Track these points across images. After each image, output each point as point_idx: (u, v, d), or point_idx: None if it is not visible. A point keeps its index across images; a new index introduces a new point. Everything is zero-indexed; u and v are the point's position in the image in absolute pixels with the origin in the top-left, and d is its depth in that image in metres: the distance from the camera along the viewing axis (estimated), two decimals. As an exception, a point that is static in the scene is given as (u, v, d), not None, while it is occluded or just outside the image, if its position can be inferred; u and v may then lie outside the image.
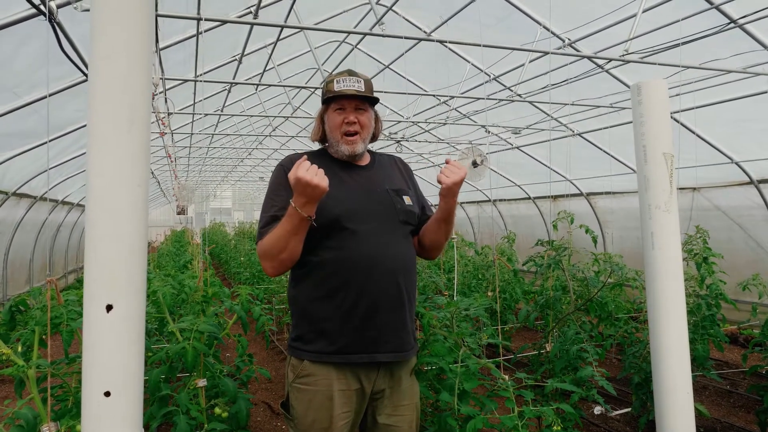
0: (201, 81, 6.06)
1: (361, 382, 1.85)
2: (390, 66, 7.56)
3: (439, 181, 1.89)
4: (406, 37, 4.68)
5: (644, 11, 4.82)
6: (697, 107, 6.15)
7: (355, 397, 1.85)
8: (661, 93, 1.91)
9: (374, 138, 2.07)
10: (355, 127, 1.93)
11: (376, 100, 1.99)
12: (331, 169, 1.88)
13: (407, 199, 2.00)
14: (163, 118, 6.70)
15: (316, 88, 7.25)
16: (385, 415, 1.90)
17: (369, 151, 2.11)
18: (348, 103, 1.93)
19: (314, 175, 1.65)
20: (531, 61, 6.31)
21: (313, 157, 1.95)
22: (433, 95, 7.48)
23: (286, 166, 1.90)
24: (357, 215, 1.86)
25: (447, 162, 1.94)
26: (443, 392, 2.10)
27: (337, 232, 1.83)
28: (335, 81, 1.93)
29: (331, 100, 1.94)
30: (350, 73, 1.95)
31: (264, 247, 1.80)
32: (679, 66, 5.02)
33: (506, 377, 1.98)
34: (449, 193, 1.90)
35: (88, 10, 3.02)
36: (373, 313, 1.82)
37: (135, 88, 1.19)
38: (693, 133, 6.62)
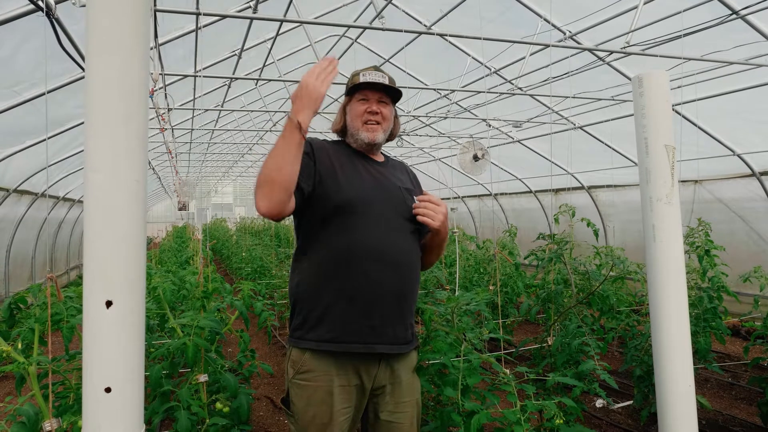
0: (201, 76, 6.04)
1: (361, 377, 1.85)
2: (390, 60, 7.54)
3: (425, 222, 1.91)
4: (406, 31, 4.66)
5: (645, 3, 4.79)
6: (698, 99, 6.12)
7: (355, 392, 1.85)
8: (663, 85, 1.89)
9: (392, 136, 2.11)
10: (377, 117, 1.98)
11: (399, 94, 2.04)
12: (348, 158, 1.95)
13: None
14: (163, 114, 6.69)
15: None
16: (387, 412, 1.91)
17: (382, 153, 2.15)
18: (372, 94, 1.98)
19: (327, 71, 1.67)
20: (532, 54, 6.28)
21: (332, 145, 2.00)
22: (434, 89, 7.47)
23: (309, 140, 1.91)
24: (369, 203, 1.87)
25: (421, 200, 1.94)
26: (447, 388, 2.10)
27: (347, 217, 1.84)
28: (361, 74, 1.98)
29: (356, 90, 1.98)
30: (376, 69, 2.01)
31: (259, 175, 1.72)
32: (680, 58, 4.99)
33: (508, 371, 1.97)
34: (440, 231, 1.95)
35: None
36: (375, 302, 1.82)
37: (131, 83, 1.19)
38: (695, 125, 6.59)
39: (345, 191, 1.85)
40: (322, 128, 10.60)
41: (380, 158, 2.09)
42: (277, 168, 1.66)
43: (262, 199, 1.69)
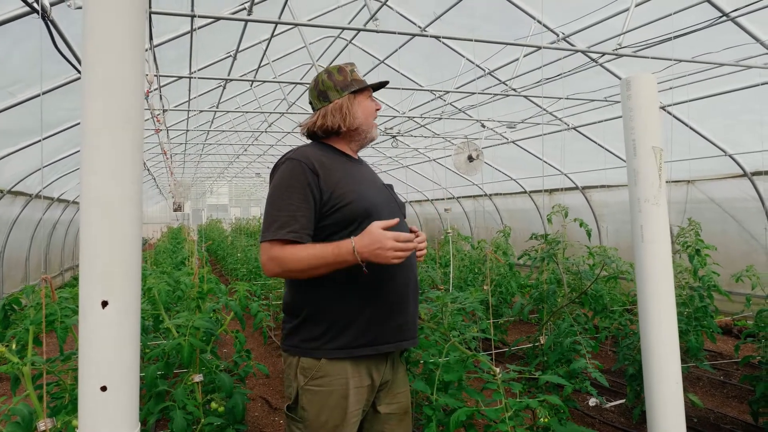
0: (196, 78, 6.05)
1: (372, 376, 1.88)
2: (385, 61, 7.56)
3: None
4: (400, 33, 4.68)
5: (637, 5, 4.84)
6: (690, 100, 6.18)
7: (366, 393, 1.87)
8: (650, 87, 1.92)
9: None
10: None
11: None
12: (340, 163, 1.94)
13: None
14: (158, 115, 6.70)
15: (311, 84, 7.23)
16: (384, 405, 1.95)
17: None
18: (370, 92, 2.06)
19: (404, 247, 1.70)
20: (525, 56, 6.32)
21: (320, 150, 1.94)
22: (429, 90, 7.49)
23: (302, 161, 1.85)
24: (379, 209, 1.89)
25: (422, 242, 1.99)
26: (417, 382, 2.15)
27: (365, 226, 1.81)
28: (355, 71, 2.03)
29: (364, 88, 2.02)
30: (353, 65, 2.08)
31: (285, 257, 1.76)
32: (671, 59, 5.04)
33: (498, 370, 2.00)
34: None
35: (81, 8, 3.02)
36: (401, 302, 1.89)
37: (128, 85, 1.20)
38: (686, 126, 6.65)
39: (358, 203, 1.84)
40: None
41: (356, 155, 2.11)
42: (307, 271, 1.76)
43: (273, 273, 1.79)
